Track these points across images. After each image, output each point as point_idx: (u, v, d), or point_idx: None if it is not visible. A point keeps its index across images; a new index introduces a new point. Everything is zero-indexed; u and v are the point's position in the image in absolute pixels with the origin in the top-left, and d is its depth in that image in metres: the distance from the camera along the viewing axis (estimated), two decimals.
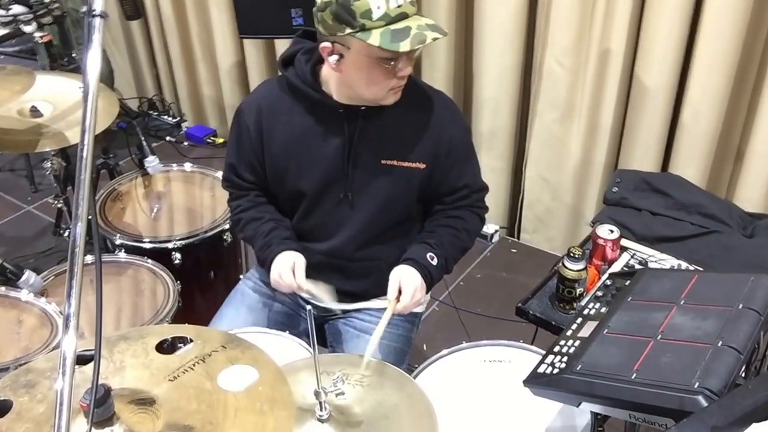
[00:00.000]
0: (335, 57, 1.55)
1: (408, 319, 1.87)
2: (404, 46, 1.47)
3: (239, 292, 1.96)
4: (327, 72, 1.65)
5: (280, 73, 1.74)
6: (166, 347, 1.32)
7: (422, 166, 1.71)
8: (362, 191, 1.72)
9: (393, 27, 1.48)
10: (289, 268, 1.69)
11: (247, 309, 1.89)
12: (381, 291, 1.69)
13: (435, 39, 1.49)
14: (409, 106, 1.68)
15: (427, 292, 1.75)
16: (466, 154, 1.78)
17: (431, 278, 1.71)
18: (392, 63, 1.53)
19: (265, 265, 1.77)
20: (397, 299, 1.65)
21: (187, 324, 2.14)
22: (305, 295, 1.85)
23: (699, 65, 2.47)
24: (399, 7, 1.48)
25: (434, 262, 1.71)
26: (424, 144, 1.70)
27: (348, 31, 1.48)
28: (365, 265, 1.80)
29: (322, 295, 1.74)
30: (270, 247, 1.75)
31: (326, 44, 1.55)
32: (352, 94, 1.63)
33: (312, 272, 1.81)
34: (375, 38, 1.47)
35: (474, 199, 1.81)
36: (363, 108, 1.65)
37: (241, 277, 2.54)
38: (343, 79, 1.60)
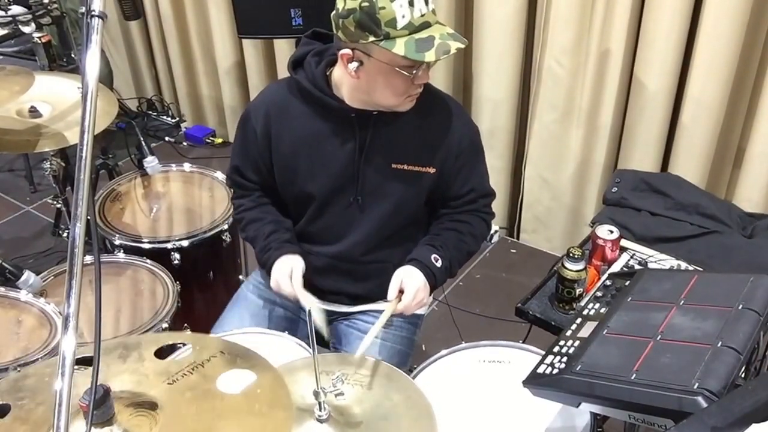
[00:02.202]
0: (355, 64, 1.54)
1: (410, 321, 1.86)
2: (429, 56, 1.46)
3: (241, 297, 1.96)
4: (339, 76, 1.64)
5: (288, 75, 1.72)
6: (165, 351, 1.32)
7: (432, 170, 1.71)
8: (372, 195, 1.72)
9: (417, 36, 1.48)
10: (286, 276, 1.69)
11: (249, 314, 1.89)
12: (387, 293, 1.68)
13: (458, 49, 1.49)
14: (420, 110, 1.67)
15: (430, 294, 1.75)
16: (475, 157, 1.78)
17: (435, 280, 1.70)
18: (413, 72, 1.52)
19: (265, 267, 1.78)
20: (399, 299, 1.64)
21: (185, 324, 2.17)
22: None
23: (698, 65, 2.47)
24: (422, 16, 1.48)
25: (438, 264, 1.70)
26: (435, 148, 1.70)
27: (371, 39, 1.47)
28: (372, 268, 1.80)
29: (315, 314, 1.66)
30: (269, 251, 1.75)
31: (346, 51, 1.54)
32: (367, 100, 1.62)
33: (319, 276, 1.81)
34: (400, 47, 1.46)
35: (481, 204, 1.81)
36: (375, 113, 1.65)
37: (241, 277, 2.56)
38: (360, 85, 1.59)
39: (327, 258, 1.79)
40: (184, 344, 1.32)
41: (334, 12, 1.52)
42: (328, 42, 1.69)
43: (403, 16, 1.46)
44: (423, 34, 1.48)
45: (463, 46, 1.50)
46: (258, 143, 1.73)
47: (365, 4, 1.45)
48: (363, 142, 1.67)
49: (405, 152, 1.69)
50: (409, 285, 1.64)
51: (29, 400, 1.18)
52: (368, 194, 1.72)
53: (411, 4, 1.46)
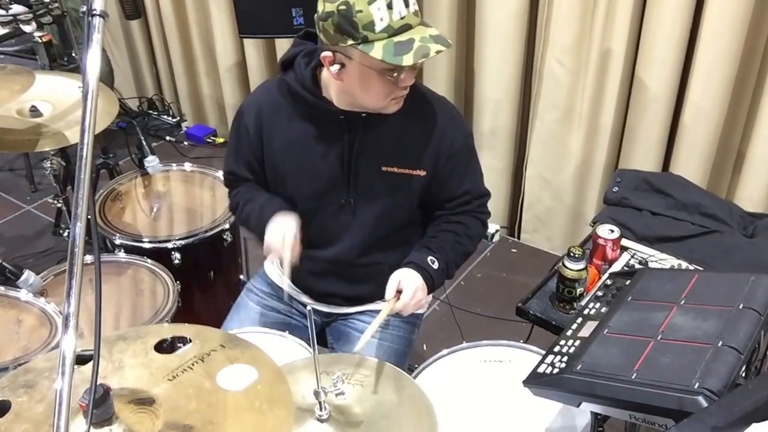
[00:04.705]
0: (337, 66, 1.53)
1: (409, 321, 1.86)
2: (407, 59, 1.44)
3: (241, 306, 1.95)
4: (327, 77, 1.63)
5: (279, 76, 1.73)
6: (166, 347, 1.32)
7: (422, 173, 1.70)
8: (364, 198, 1.71)
9: (396, 39, 1.45)
10: (279, 240, 1.64)
11: (249, 323, 1.88)
12: (384, 294, 1.67)
13: (438, 52, 1.46)
14: (410, 112, 1.66)
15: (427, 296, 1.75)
16: (467, 161, 1.76)
17: (432, 282, 1.69)
18: (395, 74, 1.50)
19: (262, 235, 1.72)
20: (397, 299, 1.64)
21: (186, 324, 2.17)
22: (304, 300, 1.86)
23: (700, 65, 2.47)
24: (402, 18, 1.45)
25: (435, 266, 1.70)
26: (425, 151, 1.69)
27: (350, 42, 1.46)
28: (368, 271, 1.79)
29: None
30: (264, 216, 1.70)
31: (327, 54, 1.53)
32: (353, 102, 1.61)
33: (315, 279, 1.81)
34: (377, 51, 1.44)
35: (476, 204, 1.80)
36: (364, 115, 1.64)
37: (242, 277, 2.56)
38: (344, 87, 1.58)
39: (323, 262, 1.78)
40: (186, 341, 1.32)
41: (316, 14, 1.52)
42: None
43: (381, 19, 1.43)
44: (402, 37, 1.46)
45: (444, 48, 1.47)
46: (251, 141, 1.73)
47: (342, 7, 1.43)
48: (352, 144, 1.66)
49: (395, 155, 1.68)
50: (407, 285, 1.64)
51: (29, 397, 1.18)
52: (359, 197, 1.71)
53: (389, 6, 1.44)
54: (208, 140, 4.10)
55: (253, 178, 1.81)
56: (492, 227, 3.28)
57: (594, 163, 2.90)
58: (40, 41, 2.80)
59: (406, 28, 1.47)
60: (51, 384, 1.20)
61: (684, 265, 1.84)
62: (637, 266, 1.85)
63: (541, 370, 1.32)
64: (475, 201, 1.79)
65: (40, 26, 2.89)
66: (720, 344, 1.20)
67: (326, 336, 1.93)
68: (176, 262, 2.28)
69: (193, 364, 1.24)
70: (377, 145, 1.67)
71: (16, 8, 2.87)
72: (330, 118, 1.65)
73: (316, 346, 1.29)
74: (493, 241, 3.31)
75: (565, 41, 2.71)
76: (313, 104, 1.65)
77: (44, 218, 3.47)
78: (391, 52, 1.44)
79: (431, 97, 1.74)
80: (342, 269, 1.79)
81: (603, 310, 1.45)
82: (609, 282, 1.57)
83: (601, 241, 1.84)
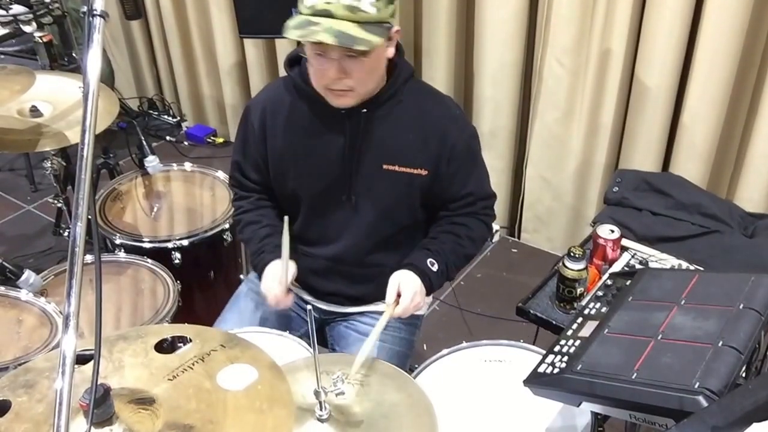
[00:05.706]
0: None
1: (409, 322, 1.86)
2: (290, 34, 1.47)
3: (240, 296, 1.96)
4: None
5: (285, 73, 1.73)
6: (166, 347, 1.32)
7: (424, 172, 1.69)
8: (365, 196, 1.71)
9: (311, 18, 1.47)
10: (276, 282, 1.68)
11: (249, 313, 1.89)
12: (385, 295, 1.67)
13: (320, 42, 1.45)
14: (413, 111, 1.66)
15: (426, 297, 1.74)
16: (471, 161, 1.75)
17: (431, 284, 1.69)
18: (315, 53, 1.52)
19: (256, 270, 1.77)
20: (396, 303, 1.64)
21: (186, 324, 2.17)
22: (305, 297, 1.86)
23: (699, 65, 2.47)
24: (328, 3, 1.46)
25: (434, 268, 1.69)
26: (426, 150, 1.68)
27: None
28: (370, 271, 1.79)
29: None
30: (263, 253, 1.75)
31: None
32: None
33: (317, 278, 1.81)
34: (289, 21, 1.49)
35: (480, 206, 1.78)
36: (364, 111, 1.64)
37: (242, 276, 2.56)
38: None
39: (324, 260, 1.79)
40: (186, 341, 1.32)
41: None
42: None
43: None
44: (316, 19, 1.47)
45: (335, 43, 1.45)
46: (256, 139, 1.74)
47: None
48: (354, 140, 1.66)
49: (396, 153, 1.68)
50: (406, 289, 1.64)
51: (29, 397, 1.18)
52: (361, 195, 1.71)
53: None
54: (209, 140, 4.10)
55: (258, 179, 1.81)
56: (492, 227, 3.27)
57: (594, 163, 2.90)
58: (40, 41, 2.79)
59: (326, 14, 1.47)
60: (51, 384, 1.20)
61: (684, 265, 1.84)
62: (638, 266, 1.85)
63: (541, 369, 1.32)
64: (480, 202, 1.78)
65: (41, 26, 2.89)
66: (720, 344, 1.20)
67: (326, 336, 1.93)
68: (176, 261, 2.28)
69: (193, 364, 1.24)
70: (378, 142, 1.67)
71: (17, 8, 2.88)
72: (332, 112, 1.65)
73: (316, 345, 1.29)
74: (494, 241, 3.31)
75: (564, 41, 2.71)
76: (315, 98, 1.65)
77: (44, 218, 3.47)
78: (295, 26, 1.48)
79: (435, 96, 1.74)
80: (343, 268, 1.79)
81: (603, 310, 1.45)
82: (609, 282, 1.57)
83: (601, 241, 1.84)
